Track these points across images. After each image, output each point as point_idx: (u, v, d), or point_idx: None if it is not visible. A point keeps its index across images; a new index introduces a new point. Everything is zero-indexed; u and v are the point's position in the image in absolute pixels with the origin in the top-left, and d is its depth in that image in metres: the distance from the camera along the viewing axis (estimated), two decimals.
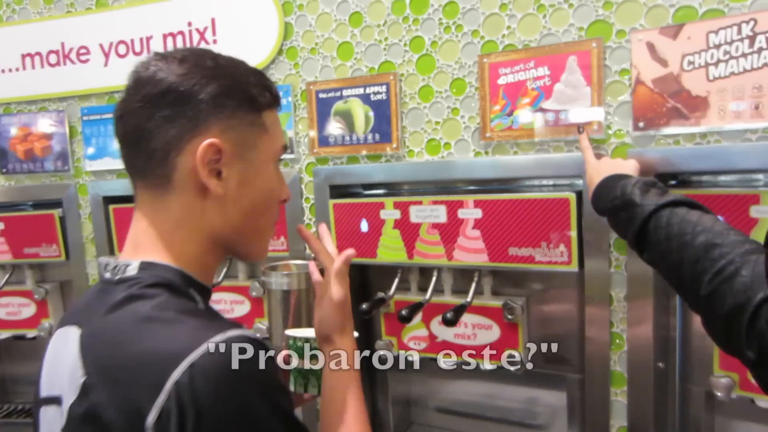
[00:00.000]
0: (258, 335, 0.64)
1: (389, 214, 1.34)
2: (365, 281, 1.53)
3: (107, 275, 0.69)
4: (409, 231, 1.32)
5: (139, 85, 0.67)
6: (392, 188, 1.43)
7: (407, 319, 1.21)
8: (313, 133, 1.43)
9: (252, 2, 1.46)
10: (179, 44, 1.54)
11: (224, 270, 1.62)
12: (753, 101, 0.98)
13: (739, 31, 0.98)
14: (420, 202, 1.29)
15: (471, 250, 1.25)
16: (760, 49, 0.97)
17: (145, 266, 0.67)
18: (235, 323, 0.64)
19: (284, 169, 1.49)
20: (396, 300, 1.40)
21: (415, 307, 1.25)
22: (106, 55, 1.63)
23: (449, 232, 1.27)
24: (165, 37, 1.56)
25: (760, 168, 1.02)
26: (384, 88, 1.34)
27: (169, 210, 0.69)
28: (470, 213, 1.24)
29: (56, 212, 1.75)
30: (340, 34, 1.39)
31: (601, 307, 1.17)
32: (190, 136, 0.66)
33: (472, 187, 1.33)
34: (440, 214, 1.27)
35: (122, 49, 1.62)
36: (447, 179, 1.30)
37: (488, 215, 1.22)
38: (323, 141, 1.42)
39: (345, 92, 1.39)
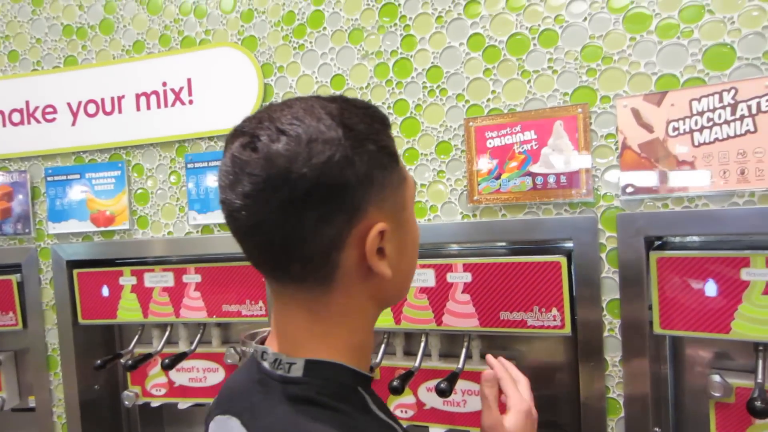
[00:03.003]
0: None
1: None
2: None
3: (265, 365, 0.61)
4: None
5: (267, 188, 0.52)
6: None
7: (399, 391, 1.11)
8: None
9: (230, 63, 1.39)
10: (153, 104, 1.45)
11: (198, 336, 1.48)
12: (738, 166, 0.96)
13: (721, 99, 0.97)
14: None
15: (461, 315, 1.17)
16: (742, 117, 0.96)
17: (310, 366, 0.58)
18: None
19: None
20: (382, 366, 1.29)
21: (406, 377, 1.15)
22: (74, 114, 1.52)
23: (438, 296, 1.19)
24: (138, 96, 1.46)
25: (748, 231, 0.99)
26: None
27: (331, 307, 0.59)
28: (459, 277, 1.17)
29: (14, 277, 1.58)
30: None
31: (596, 372, 1.10)
32: (349, 229, 0.55)
33: (460, 250, 1.26)
34: (428, 278, 1.19)
35: (92, 108, 1.50)
36: (435, 243, 1.23)
37: (478, 279, 1.15)
38: None
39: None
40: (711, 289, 1.00)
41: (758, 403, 0.91)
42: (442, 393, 1.08)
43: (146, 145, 1.48)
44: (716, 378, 1.03)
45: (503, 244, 1.22)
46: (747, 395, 1.00)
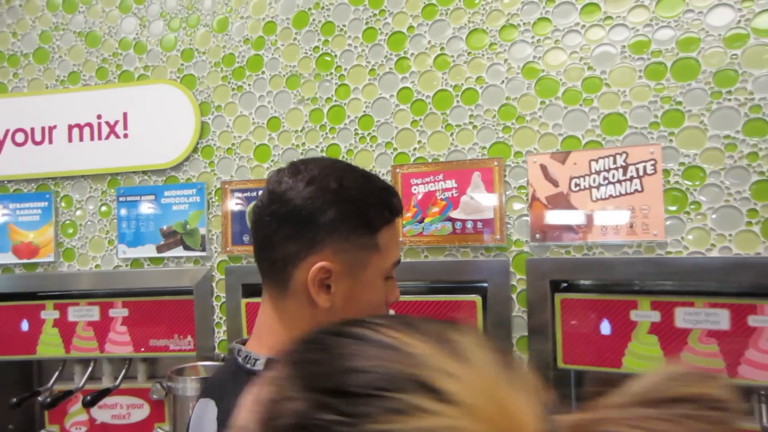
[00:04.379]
0: None
1: None
2: None
3: (239, 360, 0.72)
4: None
5: (270, 200, 0.70)
6: None
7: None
8: (226, 232, 1.35)
9: (168, 99, 1.39)
10: (86, 136, 1.42)
11: (123, 372, 1.43)
12: (628, 221, 1.07)
13: (615, 161, 1.08)
14: None
15: None
16: (632, 177, 1.07)
17: (269, 362, 0.68)
18: None
19: (193, 267, 1.39)
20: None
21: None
22: (1, 143, 1.46)
23: None
24: (71, 127, 1.43)
25: (635, 278, 1.10)
26: None
27: (287, 311, 0.71)
28: None
29: None
30: (257, 137, 1.36)
31: None
32: (305, 254, 0.68)
33: None
34: None
35: (20, 137, 1.45)
36: None
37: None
38: (236, 239, 1.35)
39: (260, 193, 1.33)
40: (606, 328, 1.10)
41: None
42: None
43: (77, 176, 1.45)
44: None
45: (422, 283, 1.28)
46: None
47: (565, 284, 1.20)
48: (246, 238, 1.34)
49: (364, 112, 1.28)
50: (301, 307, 0.70)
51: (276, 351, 0.68)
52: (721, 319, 1.01)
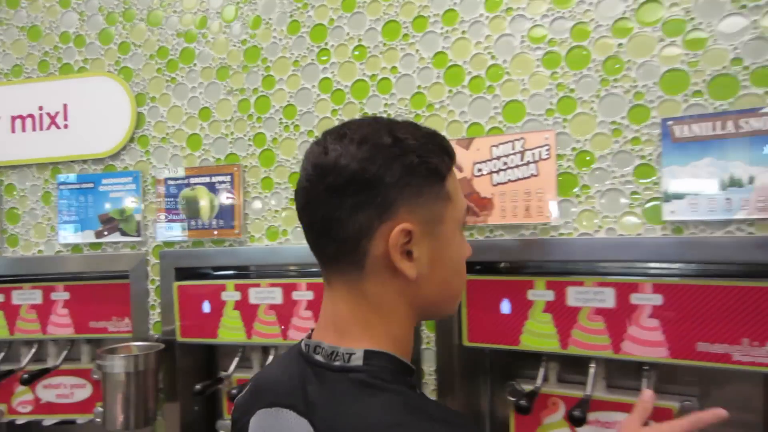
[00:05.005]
0: None
1: (230, 295, 1.32)
2: (210, 361, 1.47)
3: (319, 358, 0.63)
4: (248, 311, 1.30)
5: (321, 173, 0.61)
6: (236, 271, 1.42)
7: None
8: (161, 218, 1.40)
9: (105, 92, 1.44)
10: (28, 127, 1.47)
11: (64, 353, 1.49)
12: (524, 204, 1.11)
13: (513, 147, 1.12)
14: (258, 285, 1.29)
15: (306, 330, 1.26)
16: (528, 162, 1.11)
17: (369, 356, 0.61)
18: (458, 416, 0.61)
19: (130, 252, 1.44)
20: (237, 378, 1.35)
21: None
22: None
23: (285, 311, 1.27)
24: (13, 119, 1.48)
25: (531, 258, 1.14)
26: (228, 178, 1.35)
27: (367, 294, 0.63)
28: (303, 294, 1.26)
29: None
30: (190, 126, 1.40)
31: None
32: (379, 222, 0.60)
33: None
34: (276, 296, 1.28)
35: None
36: (281, 264, 1.32)
37: (320, 297, 1.24)
38: (170, 225, 1.39)
39: (192, 180, 1.38)
40: (506, 307, 1.14)
41: (522, 403, 1.04)
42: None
43: (20, 165, 1.50)
44: (510, 385, 1.17)
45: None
46: (540, 400, 1.14)
47: (478, 266, 1.24)
48: (179, 223, 1.38)
49: (288, 101, 1.32)
50: (383, 285, 0.63)
51: (367, 342, 0.63)
52: (607, 297, 1.05)
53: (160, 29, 1.43)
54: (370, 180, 0.60)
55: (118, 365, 1.27)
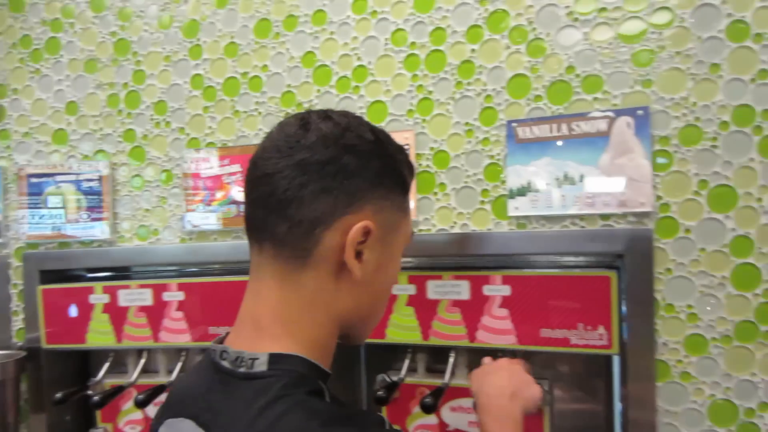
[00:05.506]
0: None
1: (98, 298, 1.26)
2: (84, 368, 1.40)
3: (225, 364, 0.58)
4: (117, 314, 1.25)
5: (295, 147, 0.57)
6: (112, 273, 1.36)
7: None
8: (24, 217, 1.31)
9: None
10: None
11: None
12: None
13: None
14: (128, 286, 1.25)
15: (176, 331, 1.23)
16: None
17: (275, 360, 0.56)
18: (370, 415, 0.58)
19: None
20: (142, 383, 1.30)
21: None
22: None
23: (156, 313, 1.24)
24: None
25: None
26: (97, 176, 1.29)
27: (302, 287, 0.58)
28: (173, 296, 1.23)
29: None
30: (55, 121, 1.33)
31: None
32: (342, 213, 0.57)
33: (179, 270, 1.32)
34: (146, 298, 1.24)
35: None
36: (154, 263, 1.28)
37: (190, 297, 1.22)
38: (34, 226, 1.31)
39: (58, 178, 1.31)
40: None
41: (379, 394, 1.07)
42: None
43: None
44: (380, 377, 1.19)
45: (218, 266, 1.30)
46: (409, 390, 1.17)
47: None
48: (44, 223, 1.31)
49: (159, 97, 1.28)
50: (322, 282, 0.59)
51: (286, 341, 0.58)
52: (463, 289, 1.10)
53: (24, 16, 1.34)
54: (347, 168, 0.57)
55: None
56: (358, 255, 0.59)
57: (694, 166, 0.96)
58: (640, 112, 0.98)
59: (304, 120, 0.60)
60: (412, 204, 1.11)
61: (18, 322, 1.33)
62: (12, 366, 1.25)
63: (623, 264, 1.00)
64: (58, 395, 1.16)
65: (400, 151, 0.66)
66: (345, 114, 0.63)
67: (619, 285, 0.99)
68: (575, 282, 1.02)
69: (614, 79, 1.00)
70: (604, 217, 1.02)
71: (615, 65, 1.00)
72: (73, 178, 1.30)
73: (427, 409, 1.02)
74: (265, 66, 1.23)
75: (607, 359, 1.12)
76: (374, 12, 1.16)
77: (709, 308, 0.96)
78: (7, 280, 1.33)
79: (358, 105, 1.17)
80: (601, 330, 1.01)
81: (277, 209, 0.58)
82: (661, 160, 0.98)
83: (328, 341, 0.63)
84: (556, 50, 1.04)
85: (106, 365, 1.29)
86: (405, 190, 0.65)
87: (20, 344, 1.32)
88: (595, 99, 1.01)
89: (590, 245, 1.02)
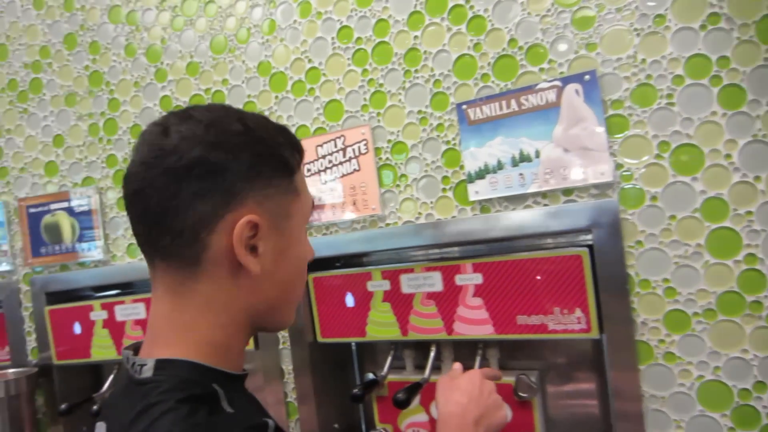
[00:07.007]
0: None
1: (98, 315, 1.30)
2: (98, 382, 1.46)
3: (130, 371, 0.57)
4: (116, 328, 1.29)
5: (159, 155, 0.53)
6: (104, 291, 1.40)
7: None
8: (26, 246, 1.37)
9: None
10: None
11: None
12: (351, 198, 1.11)
13: (335, 145, 1.12)
14: (123, 302, 1.28)
15: None
16: (350, 158, 1.11)
17: (160, 366, 0.54)
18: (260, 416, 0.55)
19: (2, 281, 1.41)
20: None
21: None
22: None
23: None
24: None
25: (365, 251, 1.14)
26: (86, 201, 1.33)
27: (195, 294, 0.56)
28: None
29: None
30: (45, 154, 1.38)
31: (273, 381, 1.21)
32: (223, 212, 0.54)
33: None
34: (140, 311, 1.27)
35: None
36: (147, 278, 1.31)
37: None
38: (36, 252, 1.37)
39: (52, 206, 1.36)
40: (350, 300, 1.14)
41: (355, 392, 1.05)
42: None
43: None
44: (369, 375, 1.17)
45: None
46: (398, 388, 1.14)
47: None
48: (44, 249, 1.36)
49: (134, 122, 1.31)
50: (219, 284, 0.56)
51: (180, 348, 0.56)
52: (435, 281, 1.05)
53: (8, 63, 1.40)
54: (216, 166, 0.53)
55: None
56: (253, 249, 0.56)
57: (653, 128, 0.89)
58: (587, 77, 0.91)
59: (164, 125, 0.55)
60: (316, 182, 1.08)
61: (32, 342, 1.39)
62: (24, 381, 1.31)
63: (594, 241, 0.93)
64: (63, 407, 1.21)
65: (280, 132, 0.61)
66: (209, 108, 0.58)
67: (592, 264, 0.93)
68: (546, 264, 0.96)
69: (558, 47, 0.93)
70: (567, 192, 0.95)
71: (557, 32, 0.93)
72: (65, 205, 1.35)
73: (400, 404, 0.98)
74: (225, 80, 1.23)
75: (597, 343, 1.05)
76: (319, 13, 1.13)
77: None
78: (19, 304, 1.39)
79: (315, 106, 1.15)
80: (578, 313, 0.95)
81: (156, 223, 0.55)
82: (616, 126, 0.91)
83: (232, 342, 0.59)
84: (497, 24, 0.98)
85: (111, 378, 1.33)
86: (290, 172, 0.60)
87: (35, 362, 1.38)
88: (542, 69, 0.95)
89: (554, 223, 0.95)
